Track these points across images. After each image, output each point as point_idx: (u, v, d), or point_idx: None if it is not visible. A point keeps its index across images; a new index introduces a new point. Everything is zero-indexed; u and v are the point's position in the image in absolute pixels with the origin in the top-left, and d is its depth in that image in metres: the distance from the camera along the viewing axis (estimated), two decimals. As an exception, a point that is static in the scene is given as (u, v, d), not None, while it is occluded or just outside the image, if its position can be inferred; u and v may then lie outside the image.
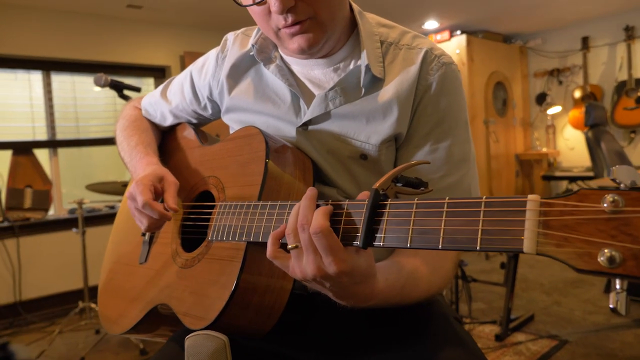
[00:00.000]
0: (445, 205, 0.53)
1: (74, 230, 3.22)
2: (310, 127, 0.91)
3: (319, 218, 0.62)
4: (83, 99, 4.20)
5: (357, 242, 0.61)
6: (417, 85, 0.86)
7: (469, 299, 2.98)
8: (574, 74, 5.39)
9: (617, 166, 0.44)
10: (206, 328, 0.80)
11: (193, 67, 1.11)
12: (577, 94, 5.26)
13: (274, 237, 0.69)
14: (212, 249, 0.88)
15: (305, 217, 0.64)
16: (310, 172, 0.90)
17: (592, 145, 3.74)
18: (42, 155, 3.98)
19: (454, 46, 5.15)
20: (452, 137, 0.88)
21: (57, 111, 4.05)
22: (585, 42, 5.19)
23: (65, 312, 3.48)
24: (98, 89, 3.41)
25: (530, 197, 0.46)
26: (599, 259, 0.42)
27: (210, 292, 0.83)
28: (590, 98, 5.06)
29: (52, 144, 4.05)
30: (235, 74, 1.01)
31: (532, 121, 5.84)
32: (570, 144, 5.52)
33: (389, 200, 0.60)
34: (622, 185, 0.43)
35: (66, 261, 3.71)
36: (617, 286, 0.42)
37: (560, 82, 5.52)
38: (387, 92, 0.87)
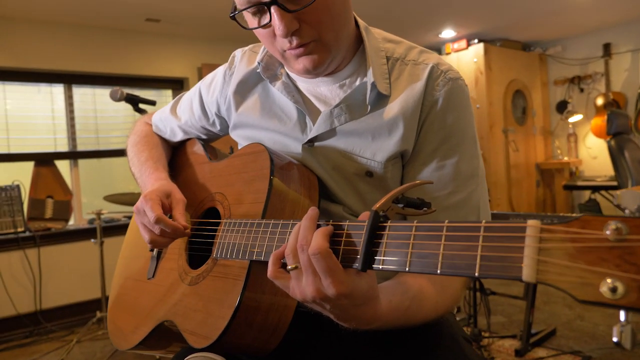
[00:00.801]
0: (445, 229, 0.52)
1: (93, 240, 3.27)
2: (316, 144, 0.91)
3: (318, 239, 0.61)
4: (103, 111, 4.28)
5: (357, 265, 0.60)
6: (423, 102, 0.85)
7: (488, 312, 2.91)
8: (595, 82, 5.28)
9: (621, 190, 0.43)
10: (209, 346, 0.79)
11: (202, 84, 1.12)
12: (599, 101, 5.15)
13: (274, 257, 0.68)
14: (217, 266, 0.88)
15: (304, 237, 0.63)
16: (315, 189, 0.89)
17: (615, 154, 3.65)
18: (63, 166, 4.06)
19: (472, 55, 5.10)
20: (460, 153, 0.86)
21: (78, 123, 4.14)
22: (607, 49, 5.08)
23: (83, 322, 3.52)
24: (117, 101, 3.47)
25: (530, 222, 0.45)
26: (601, 290, 0.40)
27: (214, 311, 0.82)
28: (613, 106, 4.94)
29: (73, 155, 4.13)
30: (243, 91, 1.01)
31: (553, 130, 5.74)
32: (593, 153, 5.40)
33: (389, 222, 0.59)
34: (626, 211, 0.41)
35: (85, 271, 3.77)
36: (622, 318, 0.40)
37: (582, 90, 5.41)
38: (393, 108, 0.86)
